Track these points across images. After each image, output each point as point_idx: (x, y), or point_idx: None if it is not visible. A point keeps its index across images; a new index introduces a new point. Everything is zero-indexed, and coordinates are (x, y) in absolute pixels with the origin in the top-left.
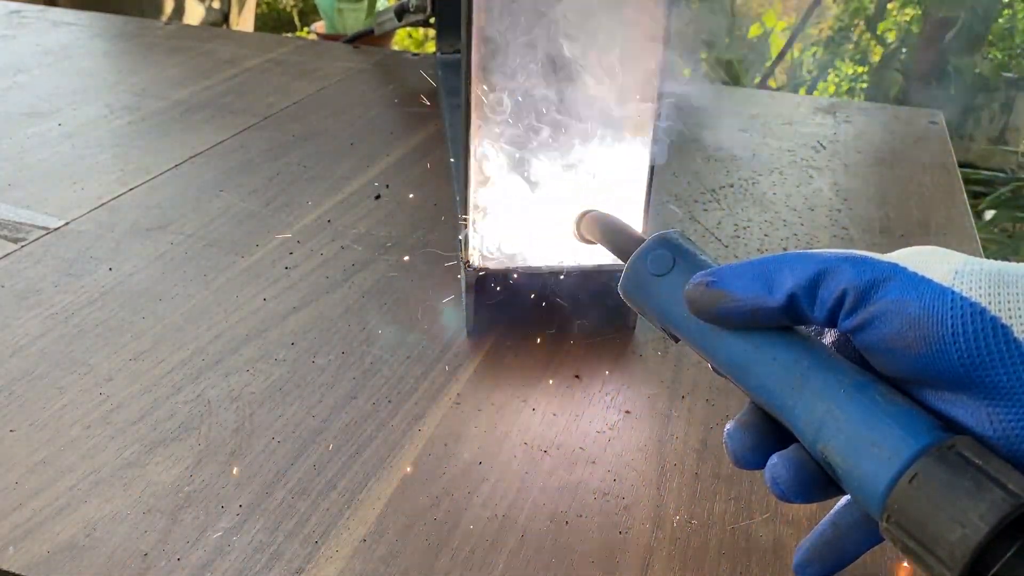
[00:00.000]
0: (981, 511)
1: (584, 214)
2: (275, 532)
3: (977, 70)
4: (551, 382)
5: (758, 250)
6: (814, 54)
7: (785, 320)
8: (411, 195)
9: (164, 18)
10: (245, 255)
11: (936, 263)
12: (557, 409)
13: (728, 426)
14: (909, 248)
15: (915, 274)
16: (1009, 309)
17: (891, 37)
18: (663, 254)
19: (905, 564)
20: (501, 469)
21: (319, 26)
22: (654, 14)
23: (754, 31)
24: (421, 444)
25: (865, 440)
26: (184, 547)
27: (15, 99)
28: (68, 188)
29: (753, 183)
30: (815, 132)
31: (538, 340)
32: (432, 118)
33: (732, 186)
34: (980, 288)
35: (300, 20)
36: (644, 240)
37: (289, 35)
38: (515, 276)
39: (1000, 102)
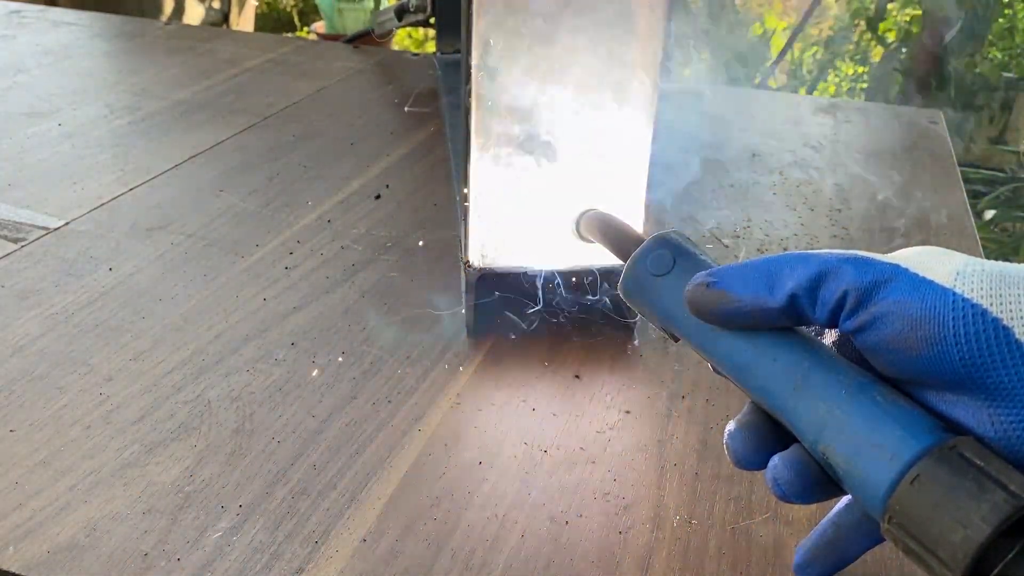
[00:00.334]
0: (983, 512)
1: (584, 213)
2: (275, 532)
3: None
4: (551, 382)
5: (758, 250)
6: (814, 54)
7: (786, 321)
8: (411, 195)
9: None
10: (245, 255)
11: (937, 264)
12: (557, 409)
13: (729, 427)
14: (910, 248)
15: (916, 275)
16: (1011, 310)
17: (891, 37)
18: (663, 254)
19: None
20: (501, 469)
21: (319, 26)
22: (654, 15)
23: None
24: (421, 444)
25: (866, 441)
26: (184, 547)
27: (15, 99)
28: (68, 188)
29: (753, 183)
30: (815, 132)
31: (538, 340)
32: (432, 118)
33: (732, 186)
34: (982, 289)
35: (300, 20)
36: (644, 240)
37: (289, 35)
38: (515, 276)
39: (1000, 102)
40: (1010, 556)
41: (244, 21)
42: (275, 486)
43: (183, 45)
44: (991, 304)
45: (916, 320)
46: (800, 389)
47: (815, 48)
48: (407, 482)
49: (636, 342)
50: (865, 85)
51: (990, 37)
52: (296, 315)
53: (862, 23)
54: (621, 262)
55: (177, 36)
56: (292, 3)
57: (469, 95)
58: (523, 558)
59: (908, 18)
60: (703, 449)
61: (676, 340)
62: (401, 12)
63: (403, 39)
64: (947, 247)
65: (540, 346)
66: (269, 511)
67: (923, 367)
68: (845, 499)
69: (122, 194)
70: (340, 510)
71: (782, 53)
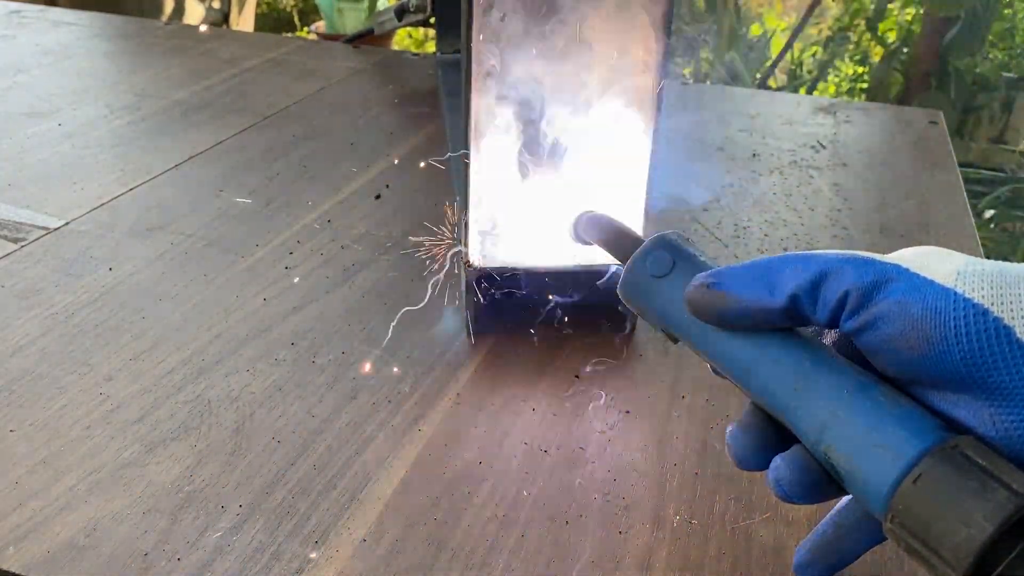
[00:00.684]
0: (986, 511)
1: (581, 215)
2: (275, 532)
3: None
4: (551, 382)
5: (758, 250)
6: (814, 54)
7: (786, 321)
8: (411, 195)
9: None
10: (245, 255)
11: (938, 264)
12: (557, 409)
13: (730, 428)
14: (911, 248)
15: (917, 275)
16: (1012, 310)
17: (891, 37)
18: (662, 255)
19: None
20: (501, 469)
21: (319, 26)
22: (655, 14)
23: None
24: (421, 444)
25: (868, 441)
26: (184, 547)
27: (15, 99)
28: (68, 188)
29: (753, 183)
30: (815, 132)
31: (538, 340)
32: (432, 118)
33: (732, 186)
34: (983, 289)
35: (300, 20)
36: (643, 241)
37: (289, 35)
38: (515, 276)
39: (1000, 102)
40: (1013, 555)
41: (244, 21)
42: (275, 486)
43: (183, 45)
44: (992, 304)
45: (917, 320)
46: (801, 390)
47: (815, 48)
48: (407, 482)
49: (636, 342)
50: (865, 85)
51: (990, 37)
52: (296, 315)
53: (862, 23)
54: (620, 264)
55: (177, 36)
56: (292, 3)
57: (469, 95)
58: (523, 558)
59: (909, 17)
60: (703, 449)
61: (675, 342)
62: (401, 12)
63: (403, 39)
64: (947, 247)
65: (540, 346)
66: (269, 511)
67: (924, 367)
68: (845, 499)
69: (122, 194)
70: (340, 510)
71: (782, 53)
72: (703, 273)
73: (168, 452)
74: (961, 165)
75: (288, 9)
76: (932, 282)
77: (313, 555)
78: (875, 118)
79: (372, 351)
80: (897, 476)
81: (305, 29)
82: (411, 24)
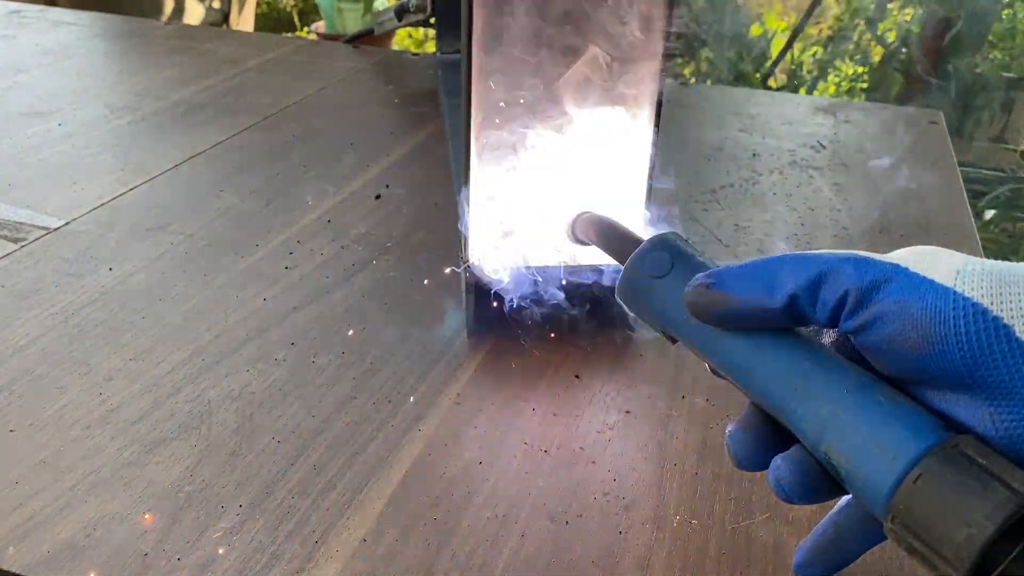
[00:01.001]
0: (987, 511)
1: (579, 216)
2: (275, 532)
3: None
4: (551, 382)
5: (758, 250)
6: (814, 54)
7: (786, 321)
8: (411, 195)
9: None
10: (245, 255)
11: (938, 263)
12: (557, 409)
13: (729, 428)
14: (910, 248)
15: (917, 274)
16: (1011, 309)
17: (891, 37)
18: (661, 256)
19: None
20: (501, 469)
21: (319, 26)
22: (655, 14)
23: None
24: (421, 444)
25: (869, 441)
26: (184, 547)
27: (15, 99)
28: (68, 188)
29: (753, 183)
30: (815, 132)
31: (538, 340)
32: (432, 118)
33: (732, 186)
34: (982, 288)
35: (300, 20)
36: (641, 242)
37: (289, 35)
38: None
39: (1000, 102)
40: (1014, 554)
41: (244, 21)
42: (275, 486)
43: (183, 45)
44: (992, 303)
45: (917, 319)
46: (801, 390)
47: (815, 48)
48: (407, 482)
49: (636, 342)
50: (865, 85)
51: (990, 37)
52: (296, 315)
53: (862, 23)
54: (618, 264)
55: (177, 36)
56: (292, 3)
57: (469, 95)
58: (523, 558)
59: (908, 17)
60: (703, 449)
61: (674, 342)
62: (401, 12)
63: (403, 39)
64: (947, 247)
65: (540, 346)
66: (269, 511)
67: (924, 366)
68: (845, 499)
69: (122, 194)
70: (340, 510)
71: (782, 53)
72: (702, 273)
73: (168, 452)
74: (961, 165)
75: (288, 9)
76: (932, 282)
77: (313, 555)
78: (875, 118)
79: (372, 351)
80: (898, 476)
81: (305, 29)
82: (411, 24)
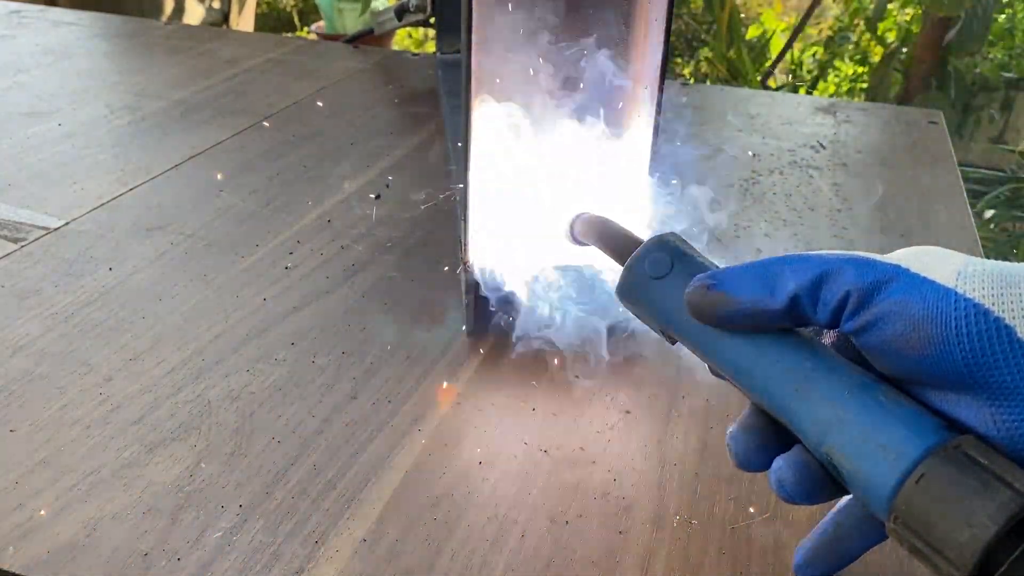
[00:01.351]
0: (989, 511)
1: (578, 216)
2: (275, 532)
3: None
4: (551, 382)
5: (758, 251)
6: (814, 54)
7: (787, 322)
8: (411, 195)
9: (164, 18)
10: (245, 255)
11: (939, 264)
12: (557, 409)
13: (730, 429)
14: (911, 248)
15: (918, 275)
16: (1012, 309)
17: (891, 37)
18: (661, 257)
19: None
20: (501, 469)
21: (319, 26)
22: (655, 16)
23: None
24: (421, 444)
25: (871, 441)
26: (184, 547)
27: (15, 99)
28: (68, 188)
29: (753, 183)
30: (815, 132)
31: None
32: (432, 118)
33: (732, 186)
34: (983, 288)
35: (300, 20)
36: (641, 242)
37: (289, 35)
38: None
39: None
40: (1016, 554)
41: (244, 21)
42: (275, 486)
43: (183, 45)
44: (992, 303)
45: (918, 320)
46: (802, 390)
47: (815, 48)
48: (407, 482)
49: (636, 342)
50: (865, 85)
51: (990, 37)
52: (296, 315)
53: (861, 23)
54: (618, 265)
55: (177, 36)
56: (292, 3)
57: (469, 95)
58: (523, 558)
59: (908, 17)
60: (703, 449)
61: (674, 342)
62: (401, 12)
63: (403, 39)
64: (947, 247)
65: (540, 346)
66: (269, 511)
67: (925, 367)
68: (846, 498)
69: (122, 194)
70: (340, 510)
71: (782, 53)
72: (702, 274)
73: (168, 452)
74: (961, 165)
75: (288, 9)
76: (932, 282)
77: (313, 555)
78: (875, 118)
79: (372, 351)
80: (899, 476)
81: (305, 29)
82: (411, 24)
